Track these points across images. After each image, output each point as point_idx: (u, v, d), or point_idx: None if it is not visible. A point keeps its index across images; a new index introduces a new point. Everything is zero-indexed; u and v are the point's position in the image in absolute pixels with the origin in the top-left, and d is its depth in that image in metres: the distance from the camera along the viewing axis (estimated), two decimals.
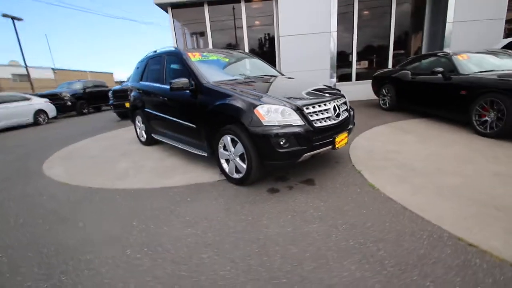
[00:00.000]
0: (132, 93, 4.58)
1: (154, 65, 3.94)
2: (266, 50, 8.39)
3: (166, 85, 3.53)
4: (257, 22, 8.26)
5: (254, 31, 8.28)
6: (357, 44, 8.11)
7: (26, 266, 1.66)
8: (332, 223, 1.90)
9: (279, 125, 2.29)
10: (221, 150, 2.80)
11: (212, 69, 3.24)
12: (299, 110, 2.38)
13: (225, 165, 2.82)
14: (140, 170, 3.34)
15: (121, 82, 8.90)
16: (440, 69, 4.36)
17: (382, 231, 1.76)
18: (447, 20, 7.07)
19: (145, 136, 4.49)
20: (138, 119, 4.55)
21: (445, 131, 4.10)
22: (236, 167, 2.67)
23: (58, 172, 3.53)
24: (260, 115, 2.30)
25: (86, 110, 11.62)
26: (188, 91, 3.02)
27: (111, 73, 33.49)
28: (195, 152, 3.19)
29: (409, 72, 5.39)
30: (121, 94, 8.04)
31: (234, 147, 2.60)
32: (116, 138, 5.50)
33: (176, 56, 3.43)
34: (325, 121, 2.51)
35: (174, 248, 1.73)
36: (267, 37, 8.32)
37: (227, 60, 3.57)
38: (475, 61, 4.31)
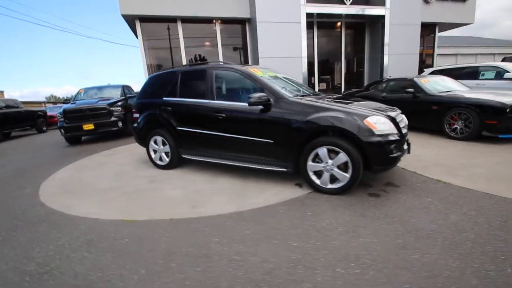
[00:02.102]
0: (147, 112, 4.03)
1: (192, 81, 3.64)
2: None
3: (222, 101, 3.34)
4: (231, 43, 8.47)
5: (228, 50, 8.43)
6: (317, 68, 9.28)
7: None
8: (462, 211, 2.25)
9: (387, 134, 2.58)
10: (309, 163, 2.84)
11: (280, 85, 3.28)
12: (393, 120, 2.73)
13: (313, 177, 2.88)
14: (205, 194, 2.99)
15: (66, 100, 7.40)
16: (412, 89, 5.56)
17: (503, 209, 2.22)
18: (384, 53, 8.98)
19: (167, 159, 3.97)
20: (156, 140, 3.99)
21: (425, 137, 5.19)
22: (331, 178, 2.77)
23: (92, 210, 2.77)
24: (372, 126, 2.54)
25: None
26: (261, 106, 2.98)
27: (1, 92, 27.28)
28: (268, 168, 3.10)
29: (379, 92, 6.58)
30: (77, 114, 6.76)
31: (332, 158, 2.72)
32: (107, 165, 4.59)
33: (234, 71, 3.32)
34: (404, 129, 2.93)
35: (382, 257, 1.74)
36: (241, 57, 8.59)
37: (280, 76, 3.66)
38: (433, 84, 5.70)
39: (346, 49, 9.52)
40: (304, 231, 2.11)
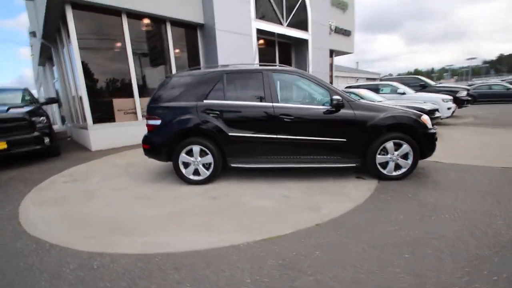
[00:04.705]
0: (176, 118, 3.34)
1: (244, 83, 3.37)
2: None
3: (287, 104, 3.31)
4: (182, 48, 7.81)
5: (180, 56, 7.73)
6: None
7: None
8: (477, 175, 3.31)
9: (431, 127, 3.40)
10: (378, 155, 3.33)
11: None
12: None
13: (380, 168, 3.36)
14: (301, 199, 2.90)
15: None
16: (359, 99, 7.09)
17: (495, 171, 3.44)
18: (309, 70, 10.74)
19: (206, 172, 3.42)
20: (192, 150, 3.36)
21: None
22: (395, 167, 3.35)
23: (202, 239, 2.14)
24: (426, 121, 3.31)
25: None
26: (327, 108, 3.24)
27: None
28: (336, 166, 3.35)
29: None
30: None
31: (396, 150, 3.31)
32: (102, 192, 3.39)
33: (299, 75, 3.40)
34: None
35: (493, 204, 2.40)
36: (193, 64, 8.05)
37: None
38: (367, 96, 7.46)
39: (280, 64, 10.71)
40: (430, 207, 2.54)
